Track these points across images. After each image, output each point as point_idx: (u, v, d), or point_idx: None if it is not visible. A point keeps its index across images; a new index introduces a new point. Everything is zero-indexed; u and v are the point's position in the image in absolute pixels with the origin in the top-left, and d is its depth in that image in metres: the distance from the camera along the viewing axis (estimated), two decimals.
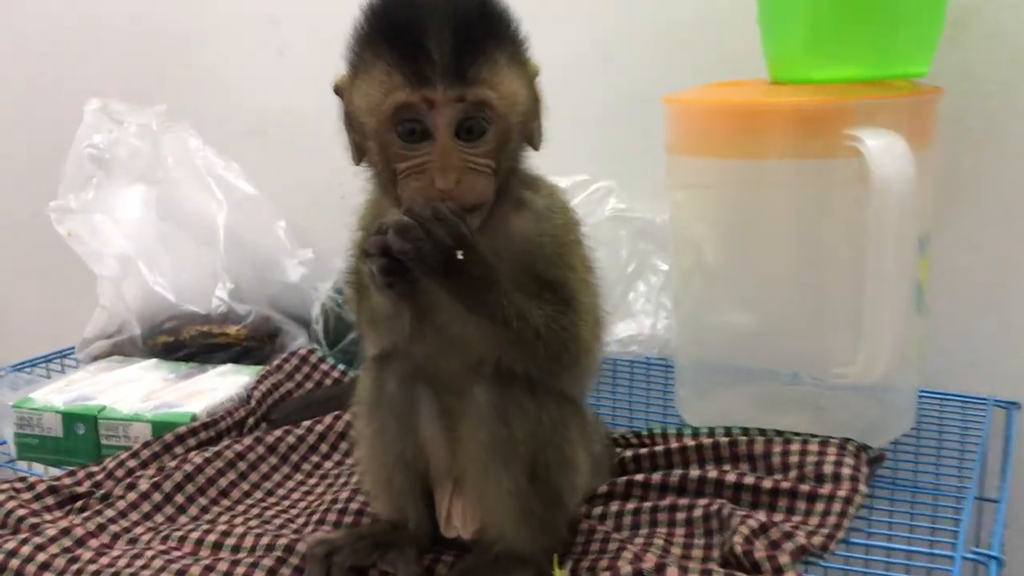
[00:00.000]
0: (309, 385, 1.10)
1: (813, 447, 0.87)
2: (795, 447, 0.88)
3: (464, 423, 0.73)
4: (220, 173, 1.29)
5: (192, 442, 0.96)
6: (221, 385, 1.07)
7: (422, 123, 0.66)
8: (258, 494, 0.92)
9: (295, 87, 1.41)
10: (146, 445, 0.94)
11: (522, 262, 0.71)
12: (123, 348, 1.20)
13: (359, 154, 0.72)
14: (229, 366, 1.13)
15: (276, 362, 1.10)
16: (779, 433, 0.91)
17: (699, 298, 1.06)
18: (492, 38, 0.67)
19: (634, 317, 1.20)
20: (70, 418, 0.99)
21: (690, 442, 0.92)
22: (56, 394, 1.04)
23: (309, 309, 1.27)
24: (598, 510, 0.84)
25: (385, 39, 0.66)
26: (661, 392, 1.18)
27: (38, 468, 1.02)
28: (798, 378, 1.03)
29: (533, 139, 0.73)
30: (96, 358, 1.20)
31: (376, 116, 0.67)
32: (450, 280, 0.66)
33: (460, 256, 0.65)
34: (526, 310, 0.69)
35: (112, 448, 0.98)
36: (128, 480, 0.89)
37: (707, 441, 0.91)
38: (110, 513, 0.84)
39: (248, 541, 0.79)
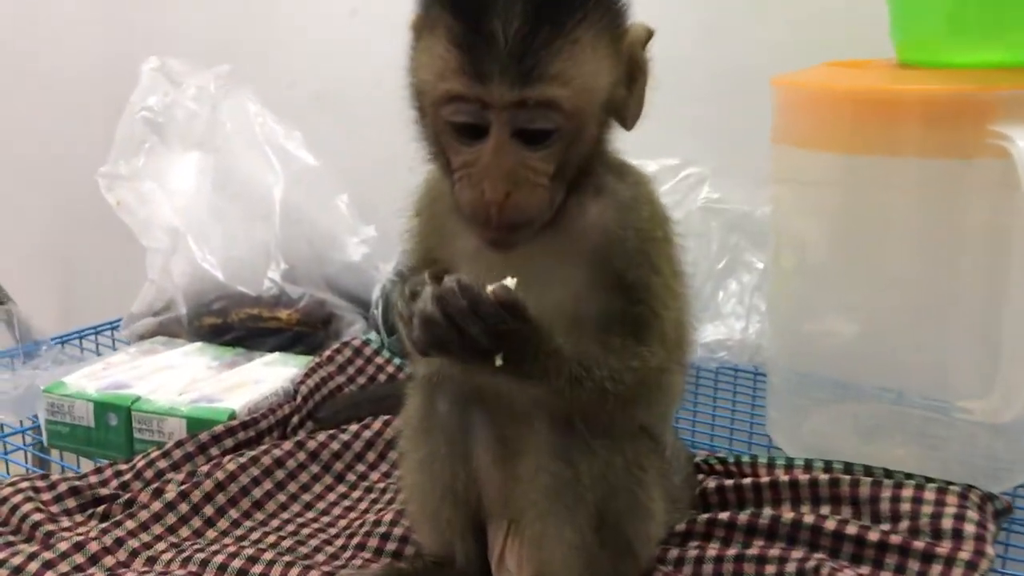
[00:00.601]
0: (361, 380, 1.01)
1: (929, 495, 0.75)
2: (907, 493, 0.76)
3: (524, 461, 0.64)
4: (280, 142, 1.20)
5: (229, 443, 0.88)
6: (266, 377, 0.99)
7: (477, 115, 0.56)
8: (295, 507, 0.84)
9: (367, 49, 1.31)
10: (179, 445, 0.87)
11: (600, 256, 0.62)
12: (169, 327, 1.13)
13: (421, 115, 0.62)
14: (276, 355, 1.05)
15: (327, 353, 1.02)
16: (888, 474, 0.80)
17: (799, 302, 0.96)
18: (576, 9, 0.56)
19: (723, 319, 1.10)
20: (102, 407, 0.92)
21: (783, 476, 0.81)
22: (90, 379, 0.96)
23: (369, 291, 1.19)
24: (674, 553, 0.74)
25: (450, 2, 0.56)
26: (748, 405, 1.06)
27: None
28: (904, 398, 0.93)
29: (626, 117, 0.62)
30: (141, 337, 1.13)
31: (429, 97, 0.58)
32: (488, 365, 0.57)
33: (499, 362, 0.55)
34: (589, 367, 0.59)
35: (145, 443, 0.90)
36: (156, 485, 0.82)
37: (803, 477, 0.79)
38: (131, 525, 0.77)
39: (276, 571, 0.71)
